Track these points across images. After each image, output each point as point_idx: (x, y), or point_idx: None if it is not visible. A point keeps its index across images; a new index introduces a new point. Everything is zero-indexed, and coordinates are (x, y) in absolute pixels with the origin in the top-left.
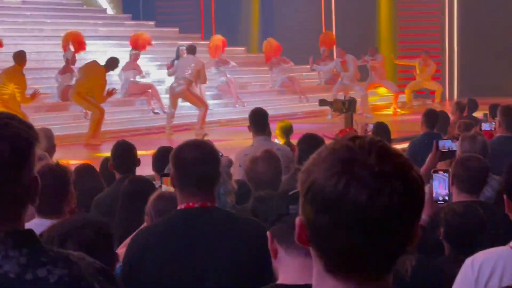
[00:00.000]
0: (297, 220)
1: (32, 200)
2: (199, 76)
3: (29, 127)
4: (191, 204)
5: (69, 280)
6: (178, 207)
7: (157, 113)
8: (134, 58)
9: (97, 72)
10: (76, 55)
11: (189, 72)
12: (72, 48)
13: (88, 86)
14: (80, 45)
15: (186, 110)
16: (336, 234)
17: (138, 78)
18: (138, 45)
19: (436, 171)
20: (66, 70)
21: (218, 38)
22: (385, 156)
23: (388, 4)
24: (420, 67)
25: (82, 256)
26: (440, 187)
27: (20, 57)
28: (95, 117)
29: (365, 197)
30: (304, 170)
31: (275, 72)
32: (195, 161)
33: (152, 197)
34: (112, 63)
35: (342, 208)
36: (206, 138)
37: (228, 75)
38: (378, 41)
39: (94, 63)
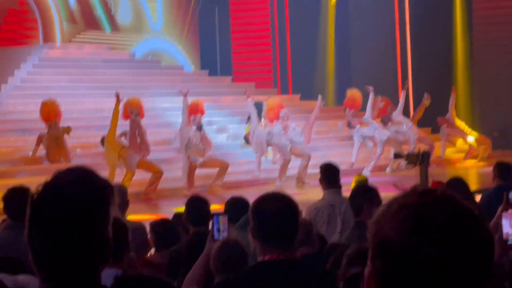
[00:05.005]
0: (366, 271)
1: (106, 260)
2: None
3: (101, 189)
4: (272, 256)
5: None
6: (259, 259)
7: None
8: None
9: None
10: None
11: None
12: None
13: None
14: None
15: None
16: None
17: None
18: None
19: (506, 209)
20: None
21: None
22: (457, 214)
23: (464, 46)
24: None
25: None
26: (510, 227)
27: None
28: None
29: (436, 256)
30: (374, 222)
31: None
32: (275, 214)
33: (216, 245)
34: None
35: (412, 266)
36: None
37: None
38: (455, 85)
39: None
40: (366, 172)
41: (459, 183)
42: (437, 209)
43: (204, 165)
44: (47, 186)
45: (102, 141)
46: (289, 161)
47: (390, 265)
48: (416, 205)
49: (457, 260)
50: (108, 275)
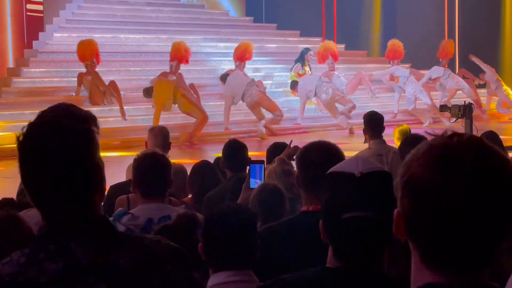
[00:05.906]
0: (395, 212)
1: (99, 188)
2: None
3: (84, 120)
4: (316, 207)
5: (139, 263)
6: (302, 209)
7: None
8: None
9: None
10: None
11: None
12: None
13: None
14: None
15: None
16: (431, 228)
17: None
18: (240, 58)
19: None
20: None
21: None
22: (482, 154)
23: None
24: None
25: (157, 239)
26: None
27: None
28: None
29: (460, 194)
30: (403, 164)
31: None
32: (321, 163)
33: (255, 190)
34: None
35: (438, 204)
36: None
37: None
38: (502, 48)
39: None
40: (426, 124)
41: (491, 138)
42: (465, 149)
43: (259, 103)
44: (31, 126)
45: (146, 91)
46: None
47: (417, 204)
48: (444, 145)
49: (483, 199)
50: (143, 208)
